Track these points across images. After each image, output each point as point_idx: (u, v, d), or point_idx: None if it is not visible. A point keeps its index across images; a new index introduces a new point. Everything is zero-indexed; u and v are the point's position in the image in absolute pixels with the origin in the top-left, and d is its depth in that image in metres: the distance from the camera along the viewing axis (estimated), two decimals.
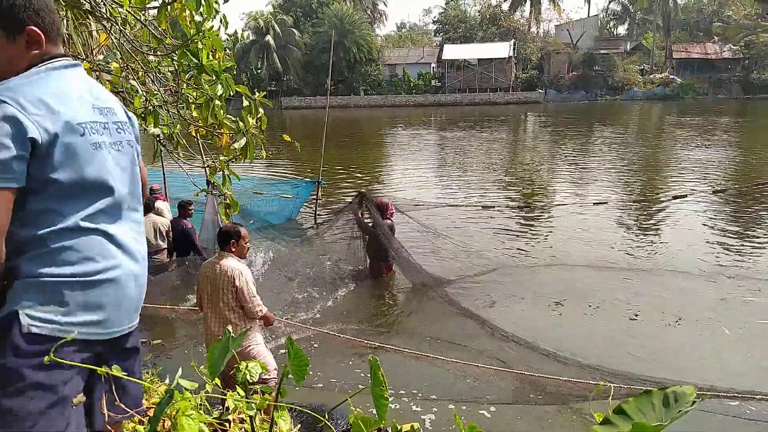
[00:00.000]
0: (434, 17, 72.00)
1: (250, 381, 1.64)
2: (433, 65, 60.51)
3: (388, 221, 7.87)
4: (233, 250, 4.13)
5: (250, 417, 1.63)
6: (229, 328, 1.71)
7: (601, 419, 1.61)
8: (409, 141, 28.32)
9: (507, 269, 8.54)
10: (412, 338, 6.23)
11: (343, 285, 7.75)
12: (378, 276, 8.06)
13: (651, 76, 55.41)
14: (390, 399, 1.74)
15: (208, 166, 3.76)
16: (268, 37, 56.51)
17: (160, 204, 7.84)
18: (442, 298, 6.93)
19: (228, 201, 3.50)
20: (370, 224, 8.03)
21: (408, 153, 23.89)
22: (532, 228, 11.02)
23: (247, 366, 1.66)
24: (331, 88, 57.92)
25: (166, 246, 7.47)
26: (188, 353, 5.81)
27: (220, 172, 3.79)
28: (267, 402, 1.57)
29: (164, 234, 7.42)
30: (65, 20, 5.09)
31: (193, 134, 4.35)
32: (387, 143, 28.80)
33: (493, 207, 11.18)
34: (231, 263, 4.01)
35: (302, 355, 1.64)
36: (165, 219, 7.59)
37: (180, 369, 1.45)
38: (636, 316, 6.63)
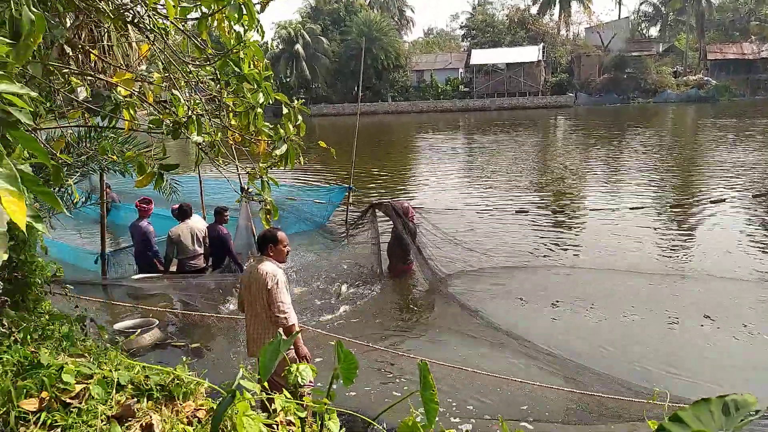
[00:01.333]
0: (461, 22, 71.67)
1: (301, 384, 1.67)
2: (460, 70, 60.32)
3: (411, 224, 7.98)
4: (271, 254, 4.20)
5: (301, 419, 1.65)
6: (280, 330, 1.73)
7: (655, 427, 1.59)
8: (438, 146, 28.25)
9: (540, 271, 8.51)
10: (442, 344, 6.21)
11: (368, 287, 7.85)
12: (398, 275, 8.17)
13: (684, 78, 54.20)
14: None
15: (247, 173, 3.82)
16: (297, 46, 57.17)
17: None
18: (466, 309, 6.90)
19: (268, 207, 3.55)
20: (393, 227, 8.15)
21: (437, 158, 23.83)
22: (567, 232, 10.89)
23: (297, 369, 1.68)
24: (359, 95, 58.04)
25: (202, 251, 7.60)
26: (226, 356, 5.90)
27: (259, 179, 3.84)
28: (325, 405, 1.59)
29: (201, 240, 7.55)
30: (107, 32, 5.25)
31: (231, 142, 4.43)
32: (416, 149, 28.80)
33: (527, 212, 11.06)
34: (267, 267, 4.07)
35: (352, 358, 1.66)
36: (202, 225, 7.73)
37: (241, 370, 1.48)
38: (674, 322, 6.50)
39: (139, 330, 5.75)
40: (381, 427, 1.52)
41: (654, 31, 67.90)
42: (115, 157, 5.07)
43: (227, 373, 5.26)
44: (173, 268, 7.61)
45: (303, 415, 1.63)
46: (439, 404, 4.71)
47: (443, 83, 57.92)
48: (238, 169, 7.95)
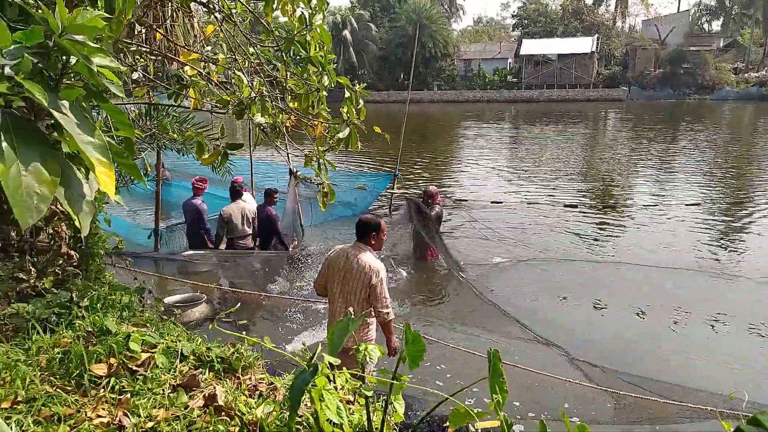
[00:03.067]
0: (513, 11, 70.27)
1: (370, 362, 1.68)
2: (509, 60, 59.23)
3: (437, 208, 7.98)
4: (373, 243, 4.07)
5: (367, 398, 1.67)
6: (350, 309, 1.75)
7: (731, 429, 1.54)
8: (483, 137, 27.91)
9: (586, 265, 8.40)
10: (474, 338, 6.15)
11: (398, 271, 7.88)
12: (423, 259, 8.24)
13: (746, 75, 51.76)
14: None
15: (305, 155, 3.86)
16: (345, 32, 57.23)
17: (245, 196, 8.10)
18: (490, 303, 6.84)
19: (326, 190, 3.58)
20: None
21: (483, 149, 23.55)
22: (617, 228, 10.62)
23: (366, 348, 1.70)
24: (406, 83, 58.14)
25: (251, 232, 7.75)
26: (271, 334, 6.01)
27: (316, 162, 3.87)
28: (405, 383, 1.60)
29: (251, 220, 7.69)
30: (173, 12, 5.36)
31: (288, 124, 4.47)
32: (461, 138, 28.53)
33: (576, 206, 10.85)
34: (370, 259, 3.96)
35: (420, 341, 1.66)
36: (252, 206, 7.87)
37: (320, 344, 1.50)
38: (716, 323, 6.32)
39: (191, 304, 5.93)
40: (460, 403, 1.52)
41: (716, 26, 65.00)
42: (175, 135, 5.21)
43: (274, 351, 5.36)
44: (222, 247, 7.78)
45: (369, 393, 1.64)
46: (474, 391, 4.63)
47: (491, 73, 57.03)
48: (288, 149, 8.04)
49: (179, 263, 7.61)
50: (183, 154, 5.92)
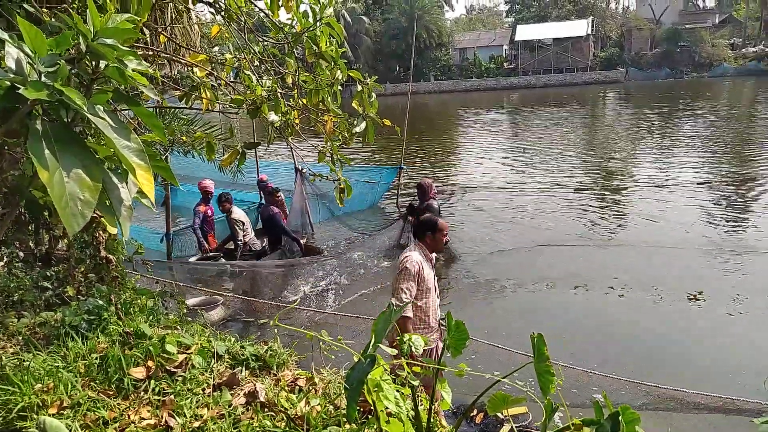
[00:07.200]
0: None
1: (415, 353, 1.69)
2: (505, 47, 58.99)
3: (434, 204, 7.85)
4: (428, 241, 3.93)
5: (412, 387, 1.67)
6: (393, 300, 1.76)
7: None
8: (483, 125, 27.86)
9: (600, 249, 8.38)
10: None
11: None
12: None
13: (743, 50, 51.46)
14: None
15: (318, 152, 3.85)
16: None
17: None
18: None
19: (342, 186, 3.58)
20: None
21: (483, 137, 23.51)
22: (629, 209, 10.62)
23: (410, 338, 1.70)
24: (402, 75, 58.02)
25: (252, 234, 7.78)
26: (294, 333, 6.02)
27: (329, 158, 3.87)
28: (464, 370, 1.61)
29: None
30: (174, 14, 5.34)
31: (296, 121, 4.46)
32: (461, 128, 28.46)
33: (586, 190, 10.84)
34: (405, 253, 3.87)
35: (463, 329, 1.67)
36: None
37: (373, 336, 1.51)
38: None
39: (210, 306, 5.96)
40: (521, 385, 1.53)
41: (710, 2, 64.61)
42: (185, 138, 5.20)
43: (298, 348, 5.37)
44: (231, 247, 7.79)
45: (416, 383, 1.65)
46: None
47: (487, 61, 56.81)
48: (291, 146, 8.02)
49: (192, 268, 7.62)
50: (193, 156, 5.92)
